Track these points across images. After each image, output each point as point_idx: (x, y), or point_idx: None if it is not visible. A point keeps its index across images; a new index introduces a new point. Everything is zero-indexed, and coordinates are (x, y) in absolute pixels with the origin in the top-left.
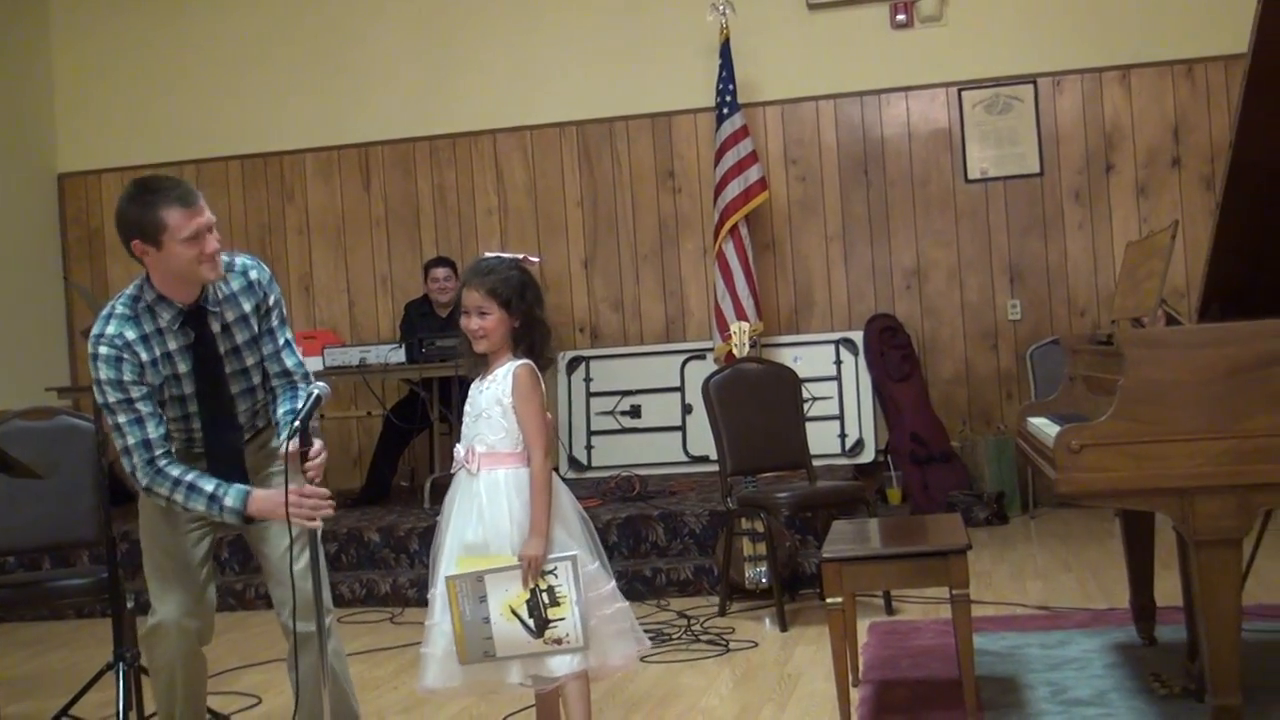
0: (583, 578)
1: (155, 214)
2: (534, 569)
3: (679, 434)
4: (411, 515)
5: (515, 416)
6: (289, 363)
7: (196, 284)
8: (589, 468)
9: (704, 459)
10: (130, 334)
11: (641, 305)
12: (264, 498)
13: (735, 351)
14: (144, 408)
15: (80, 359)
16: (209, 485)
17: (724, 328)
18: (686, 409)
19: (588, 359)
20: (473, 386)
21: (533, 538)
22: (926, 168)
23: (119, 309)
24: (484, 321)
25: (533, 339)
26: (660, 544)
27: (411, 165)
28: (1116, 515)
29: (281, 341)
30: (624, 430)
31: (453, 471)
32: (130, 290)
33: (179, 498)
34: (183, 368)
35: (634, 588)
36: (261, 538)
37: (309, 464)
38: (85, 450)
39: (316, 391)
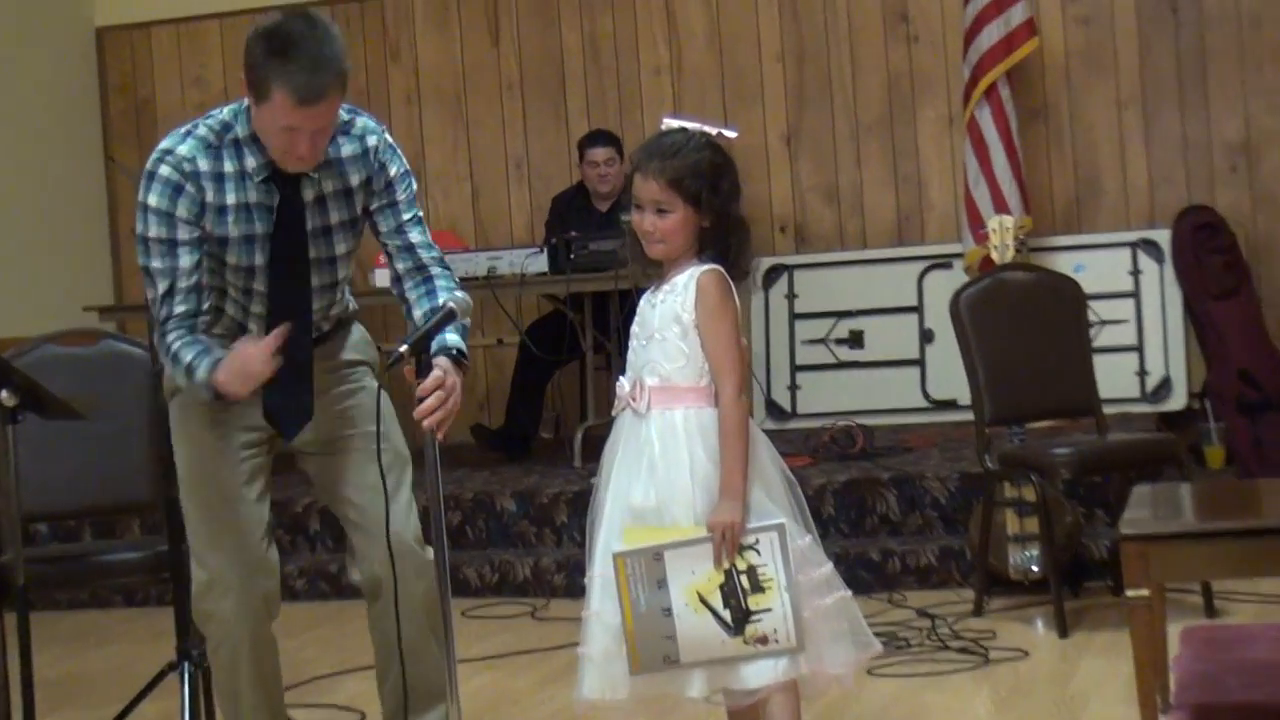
0: (793, 555)
1: (267, 79)
2: (731, 541)
3: (916, 370)
4: (558, 476)
5: (699, 338)
6: (415, 237)
7: None
8: (793, 415)
9: (950, 404)
10: (203, 164)
11: (865, 195)
12: (235, 363)
13: (994, 257)
14: (184, 256)
15: (128, 271)
16: (189, 353)
17: (978, 225)
18: (926, 336)
19: (791, 268)
20: (643, 300)
21: (725, 500)
22: (1260, 4)
23: (201, 130)
24: (663, 222)
25: (727, 242)
26: (893, 518)
27: (554, 11)
28: None
29: (407, 216)
30: (841, 364)
31: (614, 413)
32: (224, 114)
33: (166, 366)
34: (258, 228)
35: (857, 576)
36: (339, 475)
37: (424, 400)
38: (138, 385)
39: (449, 304)
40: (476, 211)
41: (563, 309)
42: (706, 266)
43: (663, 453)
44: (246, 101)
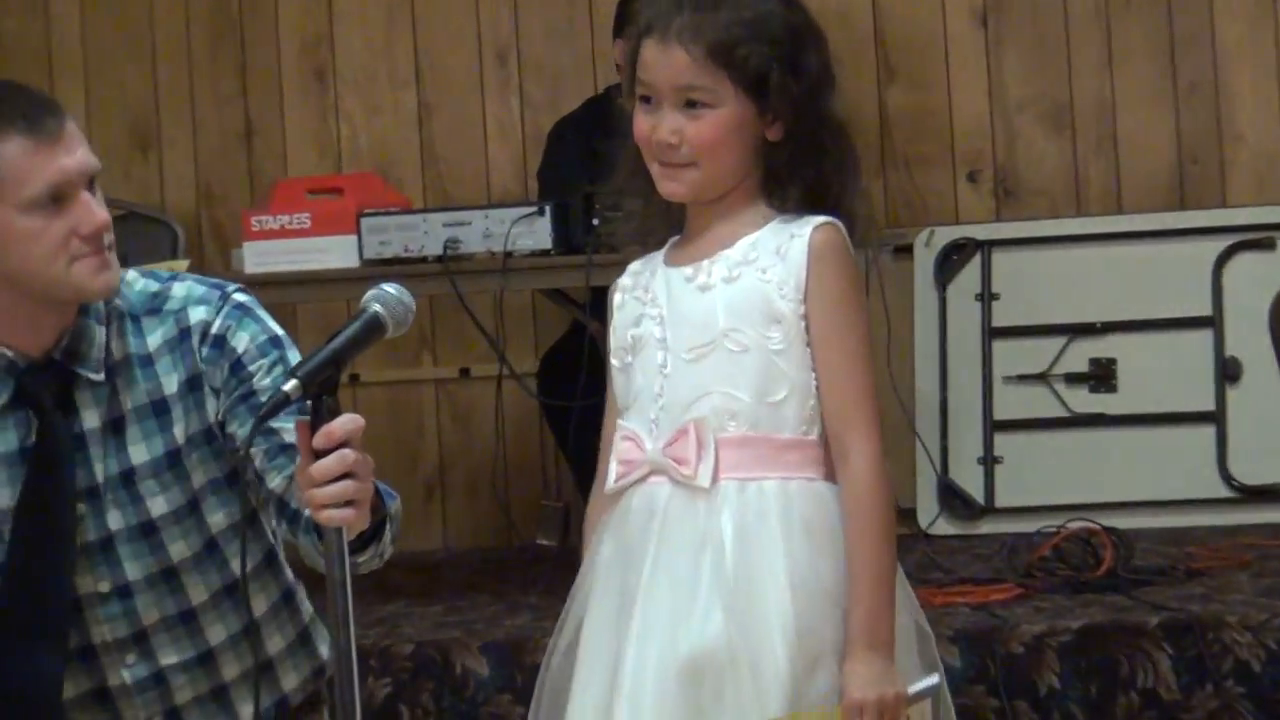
0: None
1: None
2: None
3: (1209, 430)
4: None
5: (810, 350)
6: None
7: (64, 307)
8: (988, 510)
9: (1269, 493)
10: None
11: (1119, 119)
12: None
13: None
14: None
15: None
16: None
17: None
18: (1228, 370)
19: (987, 246)
20: (651, 274)
21: (865, 653)
22: None
23: None
24: (696, 124)
25: (823, 175)
26: (1165, 695)
27: None
28: None
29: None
30: (1074, 420)
31: (617, 483)
32: None
33: None
34: (2, 500)
35: None
36: None
37: (320, 458)
38: None
39: (375, 309)
40: (425, 143)
41: (579, 315)
42: (820, 220)
43: (742, 558)
44: None
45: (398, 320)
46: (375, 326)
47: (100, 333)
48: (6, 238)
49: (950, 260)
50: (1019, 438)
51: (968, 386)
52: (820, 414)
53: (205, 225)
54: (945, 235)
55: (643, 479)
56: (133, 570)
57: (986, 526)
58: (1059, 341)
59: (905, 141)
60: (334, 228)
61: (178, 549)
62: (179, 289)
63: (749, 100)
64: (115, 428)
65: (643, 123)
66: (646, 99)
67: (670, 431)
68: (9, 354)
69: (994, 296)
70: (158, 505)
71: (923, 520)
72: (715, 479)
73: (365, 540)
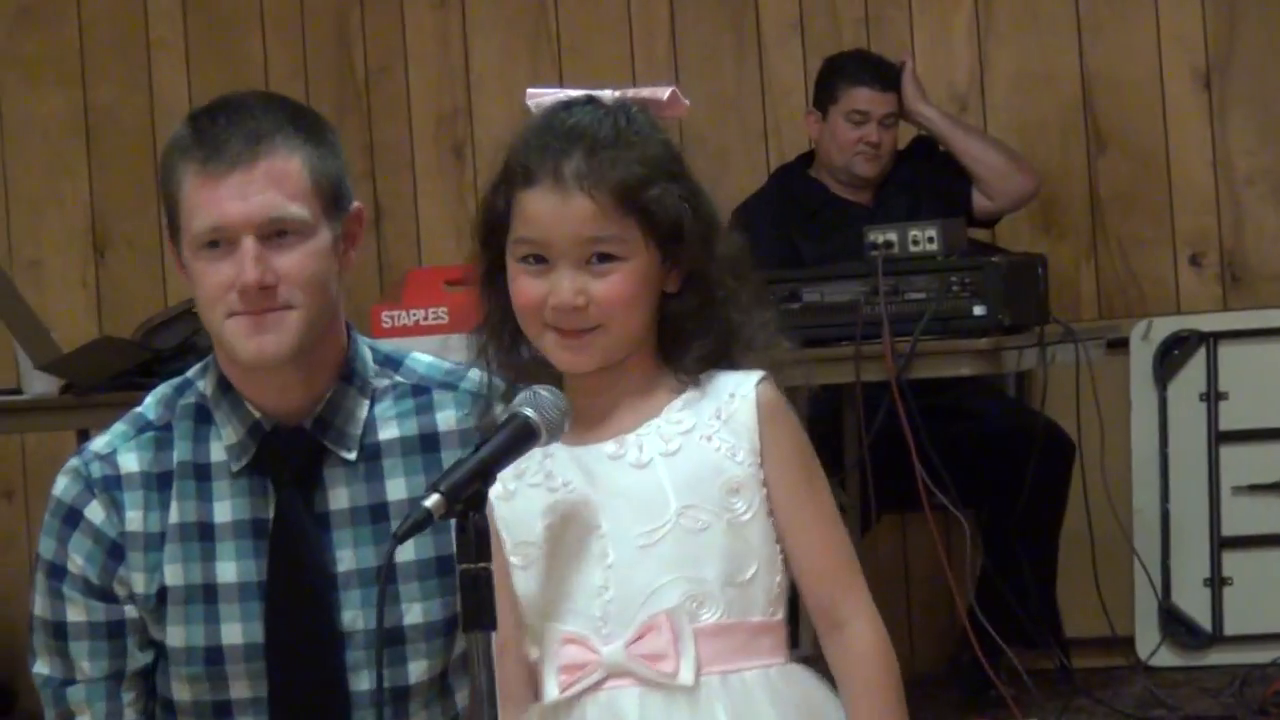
0: None
1: (170, 176)
2: None
3: None
4: None
5: (774, 518)
6: None
7: (309, 367)
8: (1217, 638)
9: None
10: (130, 461)
11: None
12: None
13: None
14: (86, 659)
15: None
16: None
17: None
18: None
19: (1213, 339)
20: (541, 457)
21: None
22: None
23: (150, 405)
24: (606, 281)
25: (731, 322)
26: None
27: None
28: None
29: None
30: None
31: (564, 693)
32: (192, 371)
33: None
34: (227, 574)
35: None
36: None
37: None
38: None
39: (526, 413)
40: None
41: None
42: (758, 375)
43: None
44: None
45: (552, 426)
46: (527, 434)
47: (363, 407)
48: (190, 276)
49: (1171, 355)
50: (1251, 556)
51: (1192, 499)
52: (784, 592)
53: None
54: (1165, 327)
55: (596, 685)
56: (356, 680)
57: (1215, 657)
58: None
59: (1119, 220)
60: (475, 323)
61: (417, 669)
62: (474, 372)
63: (655, 249)
64: (374, 515)
65: (531, 288)
66: (530, 258)
67: (626, 628)
68: (255, 415)
69: (1221, 396)
70: (413, 613)
71: (1142, 650)
72: (698, 675)
73: None
